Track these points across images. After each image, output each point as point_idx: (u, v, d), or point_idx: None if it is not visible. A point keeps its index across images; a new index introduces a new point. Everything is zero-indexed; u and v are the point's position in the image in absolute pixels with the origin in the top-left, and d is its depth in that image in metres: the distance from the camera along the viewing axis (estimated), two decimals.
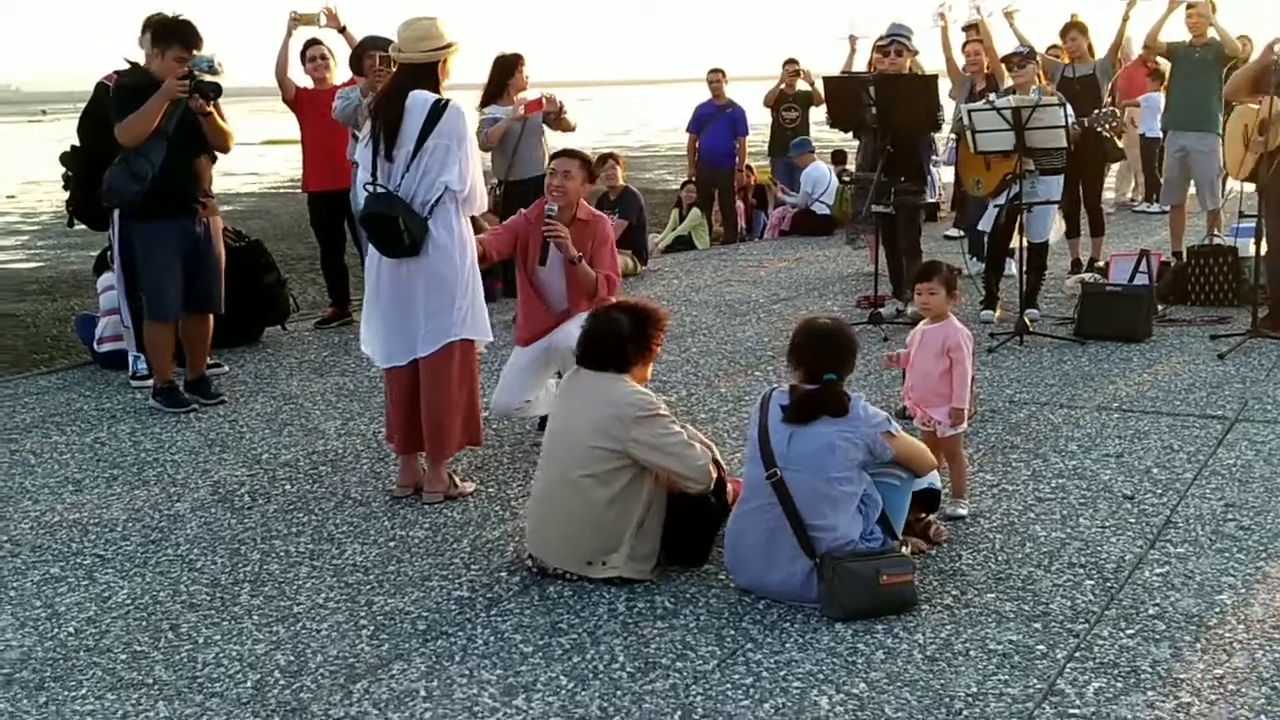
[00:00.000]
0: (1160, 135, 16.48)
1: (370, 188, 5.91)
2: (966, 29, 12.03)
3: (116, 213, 8.03)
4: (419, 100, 5.89)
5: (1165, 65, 12.11)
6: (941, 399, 5.65)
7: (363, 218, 5.97)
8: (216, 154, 7.98)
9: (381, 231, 5.88)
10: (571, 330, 6.58)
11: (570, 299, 6.85)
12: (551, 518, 5.09)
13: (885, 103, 9.19)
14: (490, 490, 6.24)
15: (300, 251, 17.26)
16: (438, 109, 5.85)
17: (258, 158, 45.00)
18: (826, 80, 9.91)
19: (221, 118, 7.78)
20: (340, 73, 10.20)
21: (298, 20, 9.93)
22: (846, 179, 10.05)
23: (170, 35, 7.52)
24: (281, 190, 33.08)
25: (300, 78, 10.30)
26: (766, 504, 4.76)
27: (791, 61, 16.21)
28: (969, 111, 9.02)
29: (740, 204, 16.20)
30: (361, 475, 6.56)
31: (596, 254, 6.83)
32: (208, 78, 7.54)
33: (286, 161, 43.43)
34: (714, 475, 5.04)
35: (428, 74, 5.96)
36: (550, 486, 5.12)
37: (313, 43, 10.22)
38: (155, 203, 7.55)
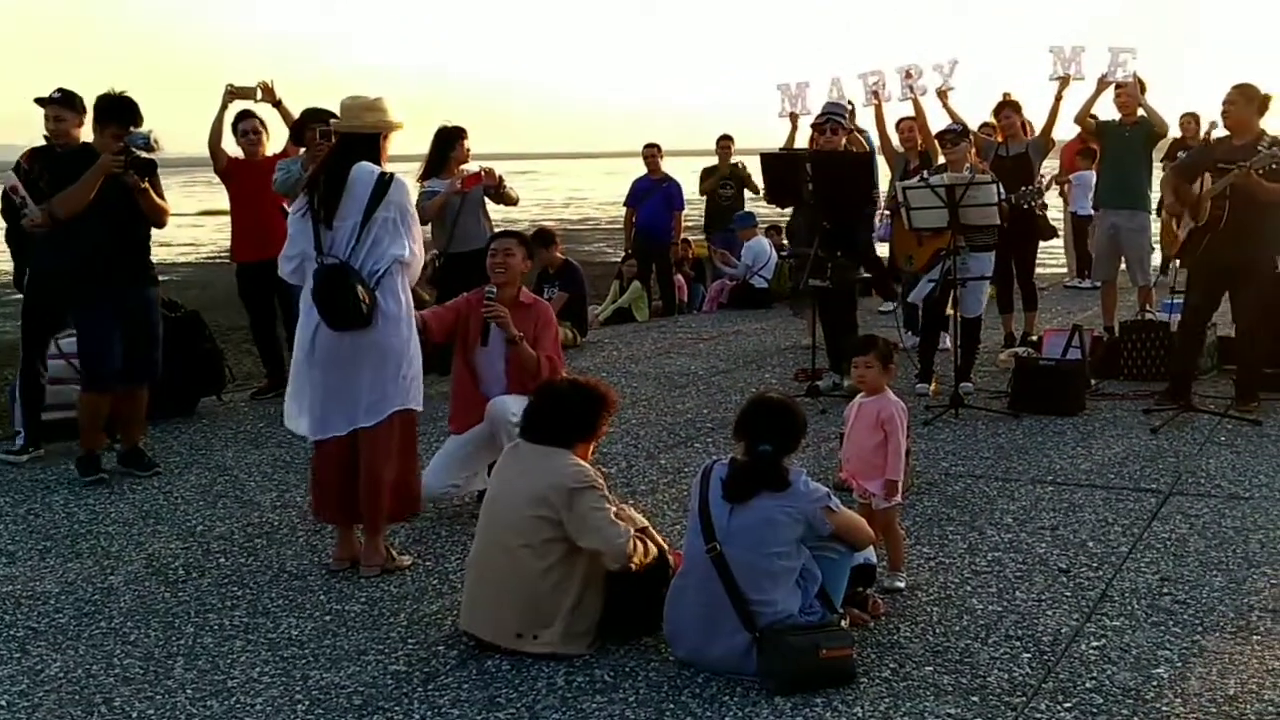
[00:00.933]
0: (1091, 213, 16.90)
1: (320, 260, 5.85)
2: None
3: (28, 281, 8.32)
4: (364, 171, 5.88)
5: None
6: (876, 471, 5.69)
7: (317, 290, 5.84)
8: (152, 227, 8.05)
9: (336, 303, 5.79)
10: (509, 402, 6.59)
11: (509, 382, 6.86)
12: (484, 585, 5.06)
13: (822, 179, 9.30)
14: (428, 563, 6.19)
15: (235, 321, 17.04)
16: (384, 182, 5.86)
17: (194, 228, 44.84)
18: (764, 157, 10.02)
19: (159, 194, 7.87)
20: (273, 145, 10.23)
21: (234, 93, 9.92)
22: (785, 254, 10.11)
23: (109, 112, 7.64)
24: (218, 260, 33.00)
25: (232, 149, 10.30)
26: (706, 578, 4.76)
27: (725, 138, 16.38)
28: (903, 188, 9.16)
29: (678, 276, 16.33)
30: (297, 548, 6.49)
31: (540, 336, 6.86)
32: (144, 154, 7.62)
33: (221, 231, 43.10)
34: (633, 555, 4.92)
35: (369, 146, 5.97)
36: (485, 554, 5.10)
37: (245, 114, 10.22)
38: (92, 274, 7.59)
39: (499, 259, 6.89)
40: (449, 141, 10.21)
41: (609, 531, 4.91)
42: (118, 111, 7.62)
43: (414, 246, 5.97)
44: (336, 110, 8.98)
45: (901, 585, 5.61)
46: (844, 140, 9.98)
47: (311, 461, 6.33)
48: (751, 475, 4.82)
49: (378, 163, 5.97)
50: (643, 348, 12.73)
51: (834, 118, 9.95)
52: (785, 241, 13.63)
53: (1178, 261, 9.85)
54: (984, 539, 6.33)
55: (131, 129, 7.60)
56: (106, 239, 7.61)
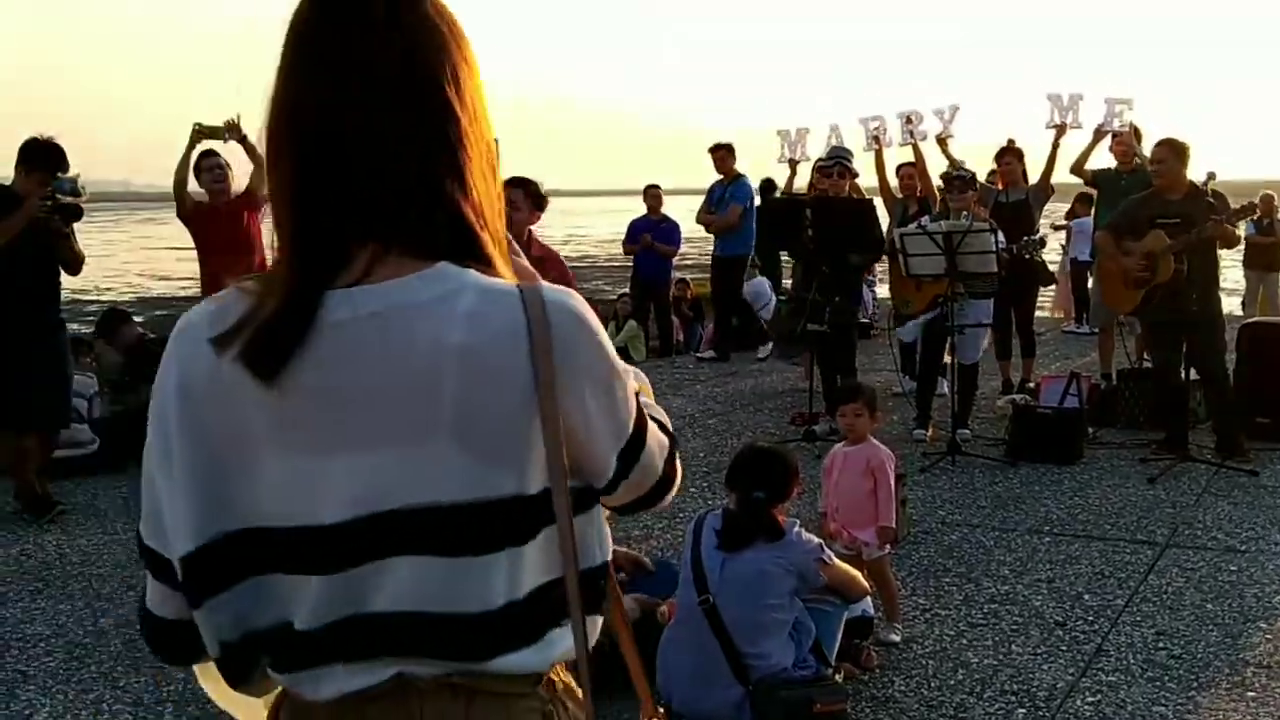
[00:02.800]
0: (1090, 260, 16.95)
1: None
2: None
3: None
4: None
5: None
6: (868, 519, 5.68)
7: None
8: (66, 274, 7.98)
9: None
10: None
11: None
12: None
13: (823, 224, 9.33)
14: None
15: None
16: None
17: (195, 263, 44.86)
18: (765, 201, 10.06)
19: (74, 241, 7.85)
20: (240, 184, 9.90)
21: (202, 133, 9.61)
22: (783, 297, 10.13)
23: (35, 157, 7.63)
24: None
25: (194, 188, 9.95)
26: (699, 629, 4.74)
27: (653, 188, 16.20)
28: (901, 235, 9.18)
29: (675, 317, 16.33)
30: None
31: None
32: (69, 199, 7.62)
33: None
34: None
35: None
36: None
37: (209, 154, 9.79)
38: (3, 318, 7.56)
39: (504, 210, 6.65)
40: None
41: None
42: (44, 157, 7.63)
43: None
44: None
45: (897, 638, 5.58)
46: (848, 186, 10.02)
47: None
48: (745, 524, 4.81)
49: None
50: None
51: (842, 161, 9.98)
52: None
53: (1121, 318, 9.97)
54: (980, 590, 6.30)
55: (58, 174, 7.62)
56: (20, 284, 7.58)
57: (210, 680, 1.73)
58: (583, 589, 1.61)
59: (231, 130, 9.61)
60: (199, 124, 9.60)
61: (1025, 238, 10.02)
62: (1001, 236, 9.26)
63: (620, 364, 1.65)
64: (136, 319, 10.72)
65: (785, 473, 4.97)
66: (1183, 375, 9.00)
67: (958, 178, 9.86)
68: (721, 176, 14.17)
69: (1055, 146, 10.97)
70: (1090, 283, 14.18)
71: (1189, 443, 8.93)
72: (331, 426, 1.54)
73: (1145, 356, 11.32)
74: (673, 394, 12.34)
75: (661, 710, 1.90)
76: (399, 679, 1.59)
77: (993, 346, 11.16)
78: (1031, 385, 11.21)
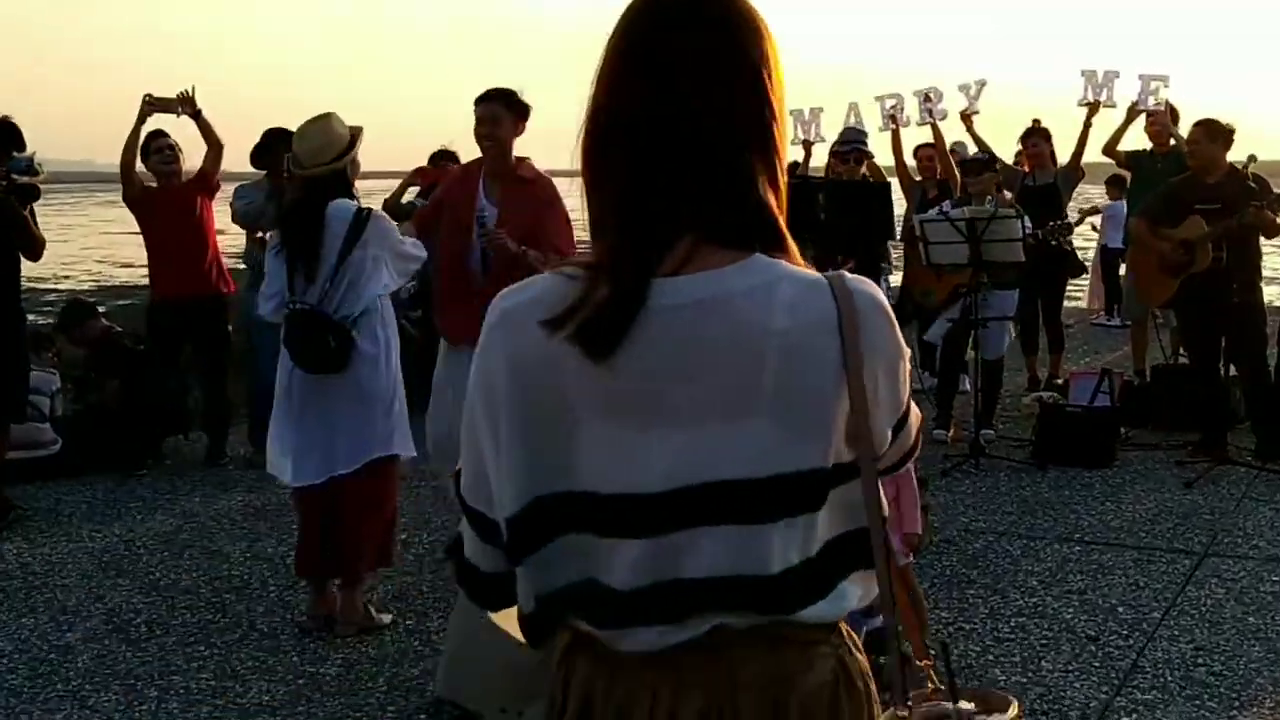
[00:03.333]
0: (1122, 246, 16.96)
1: (291, 305, 5.95)
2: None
3: None
4: (338, 212, 5.95)
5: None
6: (891, 526, 5.70)
7: (287, 335, 5.98)
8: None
9: (308, 351, 5.92)
10: None
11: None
12: (464, 649, 5.07)
13: (838, 209, 9.37)
14: (409, 622, 6.21)
15: None
16: (360, 220, 5.93)
17: None
18: None
19: (33, 224, 7.83)
20: (193, 166, 9.74)
21: (154, 106, 9.33)
22: None
23: None
24: None
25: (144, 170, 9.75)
26: None
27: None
28: (920, 222, 9.23)
29: None
30: (269, 604, 6.52)
31: (543, 219, 6.40)
32: (25, 179, 7.59)
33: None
34: None
35: (337, 181, 6.04)
36: (469, 618, 5.10)
37: (158, 133, 9.59)
38: None
39: (484, 130, 6.46)
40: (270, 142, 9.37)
41: None
42: None
43: (399, 272, 6.13)
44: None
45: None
46: (864, 170, 10.06)
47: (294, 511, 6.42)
48: None
49: (350, 194, 6.07)
50: None
51: (858, 146, 10.03)
52: None
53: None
54: (1007, 603, 6.36)
55: (14, 154, 7.62)
56: None
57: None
58: (861, 545, 1.91)
59: (185, 103, 9.35)
60: (149, 96, 9.35)
61: (1052, 222, 10.06)
62: (1028, 222, 9.31)
63: (904, 347, 1.90)
64: (99, 309, 10.72)
65: None
66: (1221, 372, 9.06)
67: (975, 160, 9.90)
68: None
69: (1087, 125, 11.00)
70: (1122, 272, 14.25)
71: (1228, 444, 9.00)
72: (655, 404, 1.79)
73: (1181, 351, 11.38)
74: None
75: (929, 660, 2.11)
76: (715, 631, 1.84)
77: (1017, 340, 11.20)
78: (1059, 382, 11.26)
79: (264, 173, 9.35)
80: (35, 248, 7.89)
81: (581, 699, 1.95)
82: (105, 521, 8.00)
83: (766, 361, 1.77)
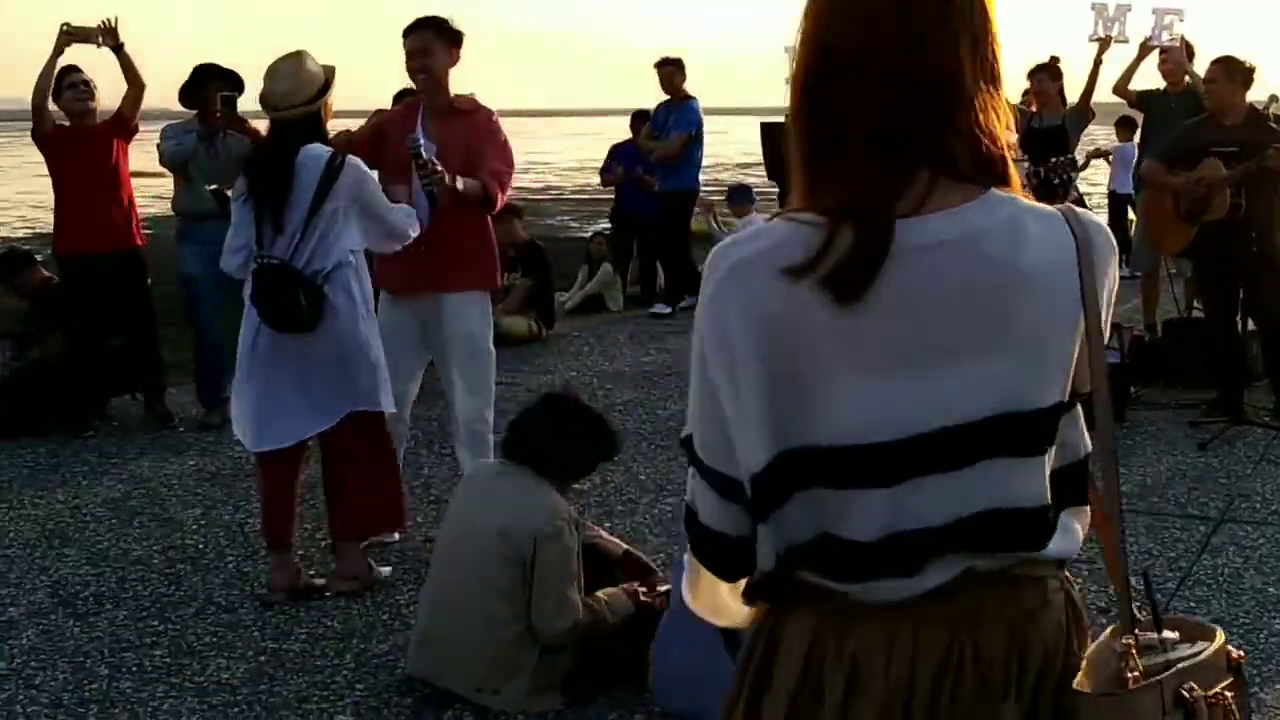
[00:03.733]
0: (1131, 192, 16.93)
1: (261, 258, 5.89)
2: None
3: None
4: (310, 158, 5.90)
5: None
6: None
7: (255, 291, 5.92)
8: None
9: (276, 305, 5.86)
10: (462, 314, 6.56)
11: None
12: (439, 626, 5.06)
13: None
14: (376, 596, 6.18)
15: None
16: (333, 168, 5.87)
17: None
18: (764, 126, 10.02)
19: None
20: (106, 102, 9.49)
21: (72, 36, 9.01)
22: None
23: None
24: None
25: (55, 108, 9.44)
26: (700, 620, 4.73)
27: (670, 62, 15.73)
28: None
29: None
30: (226, 575, 6.49)
31: (482, 149, 6.52)
32: None
33: (148, 199, 42.92)
34: (573, 629, 4.93)
35: (310, 124, 5.99)
36: (443, 591, 5.09)
37: (70, 69, 9.26)
38: None
39: (416, 62, 6.54)
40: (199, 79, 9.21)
41: (552, 606, 4.87)
42: None
43: (375, 230, 6.06)
44: (233, 69, 8.79)
45: None
46: None
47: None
48: None
49: (323, 139, 6.02)
50: (617, 343, 12.74)
51: None
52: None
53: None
54: None
55: None
56: None
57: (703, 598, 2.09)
58: (1078, 479, 2.03)
59: (106, 34, 9.09)
60: (67, 25, 9.07)
61: (1055, 158, 9.97)
62: (1025, 164, 9.27)
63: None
64: (36, 259, 10.60)
65: None
66: (1238, 326, 9.05)
67: None
68: (668, 97, 13.98)
69: (1098, 63, 10.92)
70: (1132, 219, 14.24)
71: (1244, 403, 9.01)
72: (906, 346, 1.86)
73: (1195, 304, 11.38)
74: (657, 348, 12.37)
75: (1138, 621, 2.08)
76: (961, 575, 1.93)
77: None
78: None
79: (194, 112, 9.22)
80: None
81: (803, 653, 1.99)
82: (48, 487, 7.94)
83: (1016, 299, 1.86)
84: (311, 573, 6.34)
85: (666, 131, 13.89)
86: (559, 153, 63.30)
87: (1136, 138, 17.19)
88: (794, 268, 1.83)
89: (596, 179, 16.23)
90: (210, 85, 8.96)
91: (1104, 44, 10.92)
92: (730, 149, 52.06)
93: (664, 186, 14.09)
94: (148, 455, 8.68)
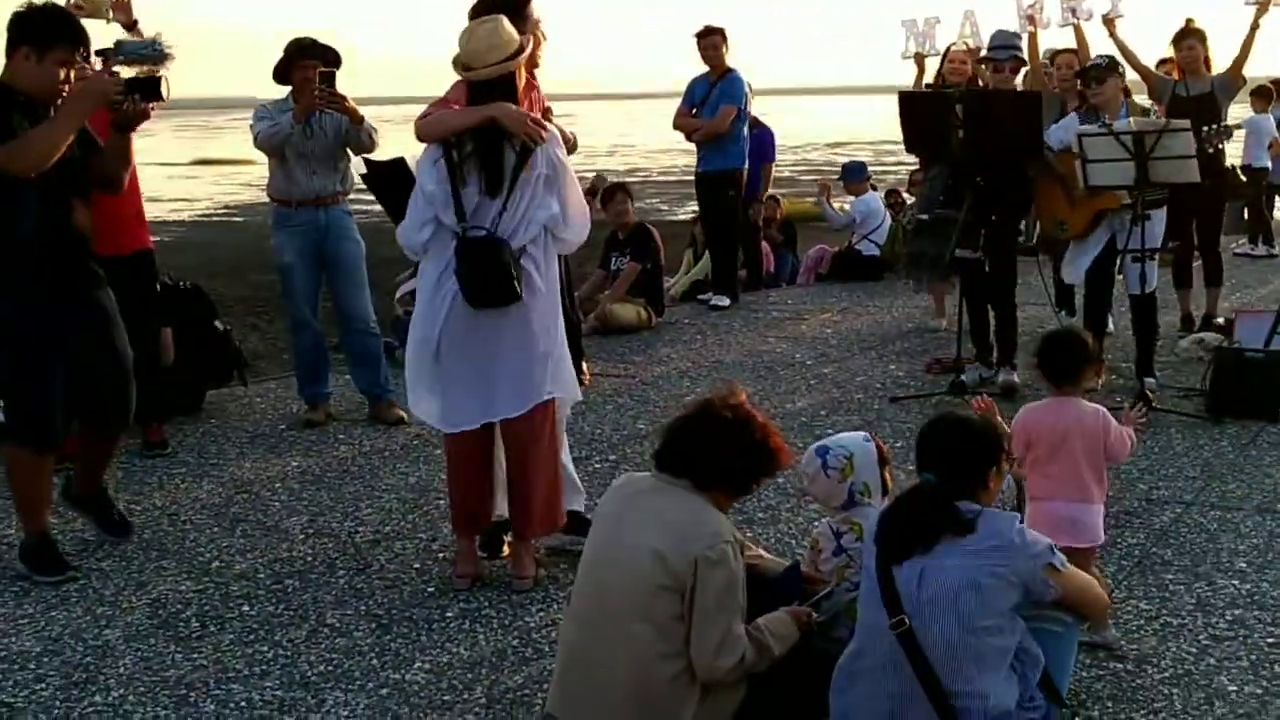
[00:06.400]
0: (1268, 165, 16.16)
1: (465, 229, 5.67)
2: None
3: None
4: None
5: None
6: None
7: (463, 265, 5.66)
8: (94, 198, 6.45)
9: (486, 279, 5.66)
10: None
11: None
12: (582, 668, 4.40)
13: (979, 124, 8.62)
14: (503, 618, 5.60)
15: (239, 292, 16.67)
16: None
17: (187, 179, 44.39)
18: (903, 96, 9.33)
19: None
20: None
21: (80, 9, 7.57)
22: (925, 217, 9.40)
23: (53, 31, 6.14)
24: (215, 218, 32.64)
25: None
26: (890, 661, 4.13)
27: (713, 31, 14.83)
28: (1081, 137, 8.44)
29: (764, 242, 15.54)
30: (338, 593, 5.92)
31: None
32: (144, 70, 6.60)
33: (218, 185, 43.03)
34: (738, 666, 4.29)
35: (505, 89, 5.76)
36: (587, 626, 4.44)
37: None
38: (32, 274, 6.05)
39: None
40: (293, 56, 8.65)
41: (716, 641, 4.22)
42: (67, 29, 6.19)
43: (570, 205, 5.87)
44: (326, 40, 8.33)
45: (1114, 634, 5.11)
46: (1018, 80, 9.36)
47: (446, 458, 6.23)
48: (905, 515, 4.23)
49: (516, 102, 5.78)
50: (732, 331, 12.07)
51: (1015, 52, 9.34)
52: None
53: None
54: (1216, 591, 5.67)
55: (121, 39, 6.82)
56: (49, 220, 6.09)
57: None
58: None
59: (119, 9, 8.07)
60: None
61: (1208, 127, 9.22)
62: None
63: None
64: None
65: (972, 449, 4.35)
66: None
67: (1094, 66, 9.06)
68: (708, 70, 13.11)
69: (1255, 28, 10.33)
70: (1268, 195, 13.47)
71: None
72: None
73: None
74: (775, 336, 11.71)
75: None
76: None
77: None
78: (1219, 322, 10.54)
79: (288, 90, 8.65)
80: (123, 175, 6.50)
81: None
82: (144, 491, 7.43)
83: None
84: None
85: (709, 107, 13.00)
86: (640, 134, 62.86)
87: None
88: None
89: (683, 160, 15.49)
90: (302, 64, 8.43)
91: (1263, 7, 10.24)
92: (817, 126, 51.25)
93: (708, 168, 13.05)
94: (248, 456, 8.15)
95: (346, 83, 8.48)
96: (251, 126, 8.72)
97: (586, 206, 6.02)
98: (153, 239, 8.62)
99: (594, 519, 4.69)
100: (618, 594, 4.33)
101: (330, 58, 8.47)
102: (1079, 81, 9.35)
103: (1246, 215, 16.29)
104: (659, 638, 4.25)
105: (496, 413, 5.86)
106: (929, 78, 11.15)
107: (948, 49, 10.78)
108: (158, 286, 8.57)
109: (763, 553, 5.12)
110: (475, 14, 6.16)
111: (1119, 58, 9.59)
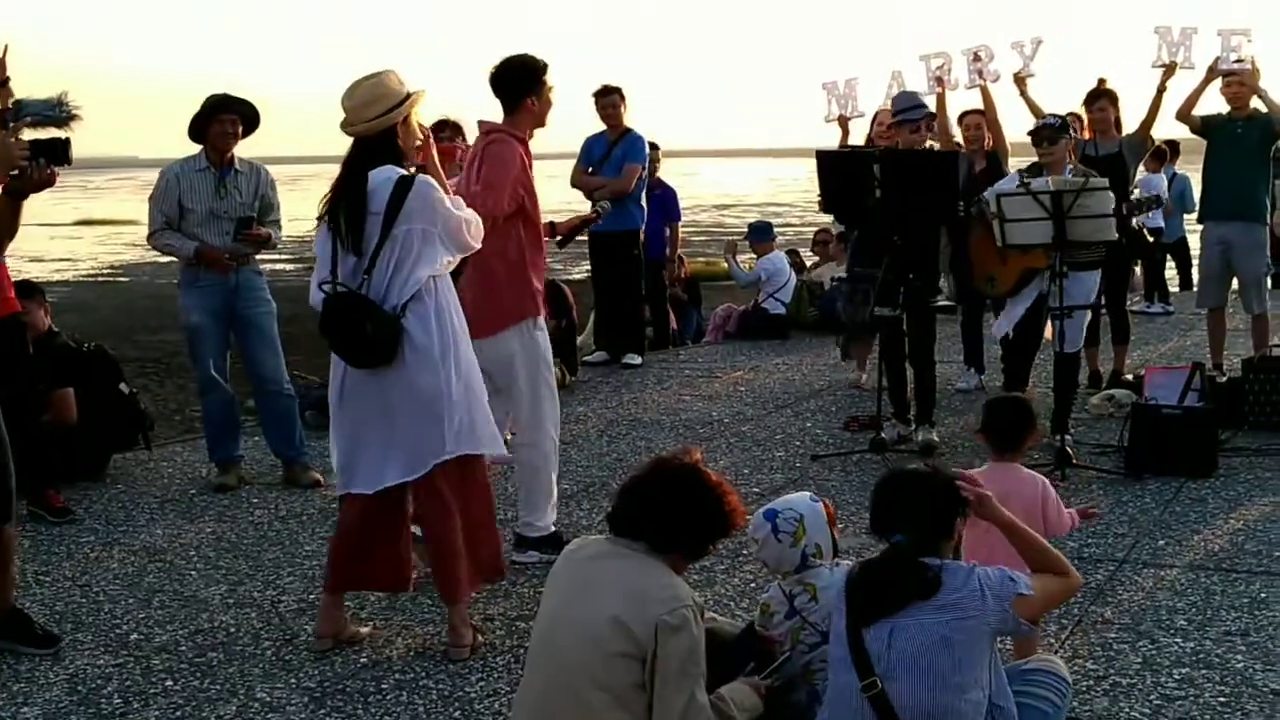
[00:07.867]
0: (1161, 225, 16.46)
1: (328, 287, 5.53)
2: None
3: None
4: (381, 179, 5.53)
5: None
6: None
7: (321, 324, 5.55)
8: None
9: (345, 341, 5.52)
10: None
11: None
12: None
13: (895, 184, 8.61)
14: (441, 686, 5.41)
15: (126, 353, 16.27)
16: (400, 190, 5.46)
17: (70, 240, 43.56)
18: (822, 156, 9.31)
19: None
20: None
21: None
22: (836, 280, 9.37)
23: None
24: (100, 278, 32.03)
25: None
26: None
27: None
28: (999, 196, 8.47)
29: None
30: (266, 665, 5.69)
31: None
32: (53, 132, 6.38)
33: (103, 244, 42.30)
34: None
35: (384, 145, 5.59)
36: (543, 697, 4.28)
37: None
38: None
39: None
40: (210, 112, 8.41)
41: (679, 710, 4.10)
42: None
43: (454, 246, 5.68)
44: (241, 96, 8.24)
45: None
46: (927, 140, 9.37)
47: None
48: (876, 579, 4.14)
49: (398, 161, 5.61)
50: (645, 388, 11.96)
51: (926, 110, 9.36)
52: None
53: None
54: (1160, 649, 5.62)
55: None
56: None
57: None
58: None
59: None
60: None
61: (1134, 196, 9.35)
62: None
63: None
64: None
65: (936, 503, 4.28)
66: None
67: (1046, 125, 9.16)
68: (605, 129, 13.09)
69: (1161, 90, 10.41)
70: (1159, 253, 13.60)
71: None
72: None
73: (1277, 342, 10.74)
74: (690, 395, 11.59)
75: None
76: None
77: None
78: (1128, 379, 10.61)
79: (199, 148, 8.42)
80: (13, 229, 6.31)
81: None
82: (52, 561, 7.14)
83: None
84: (365, 628, 5.97)
85: (611, 166, 12.92)
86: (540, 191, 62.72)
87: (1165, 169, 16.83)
88: None
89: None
90: (220, 117, 8.25)
91: (1169, 70, 10.37)
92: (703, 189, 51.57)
93: (607, 227, 12.19)
94: (159, 522, 7.88)
95: (261, 139, 8.33)
96: (152, 211, 8.46)
97: (470, 215, 5.73)
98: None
99: (547, 584, 4.53)
100: (574, 662, 4.18)
101: (248, 112, 8.31)
102: (1031, 140, 9.38)
103: (1139, 273, 16.51)
104: (616, 705, 4.11)
105: (387, 478, 5.67)
106: (859, 139, 11.19)
107: (877, 113, 10.84)
108: (30, 350, 7.59)
109: (715, 615, 5.01)
110: (494, 83, 6.52)
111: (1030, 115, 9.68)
